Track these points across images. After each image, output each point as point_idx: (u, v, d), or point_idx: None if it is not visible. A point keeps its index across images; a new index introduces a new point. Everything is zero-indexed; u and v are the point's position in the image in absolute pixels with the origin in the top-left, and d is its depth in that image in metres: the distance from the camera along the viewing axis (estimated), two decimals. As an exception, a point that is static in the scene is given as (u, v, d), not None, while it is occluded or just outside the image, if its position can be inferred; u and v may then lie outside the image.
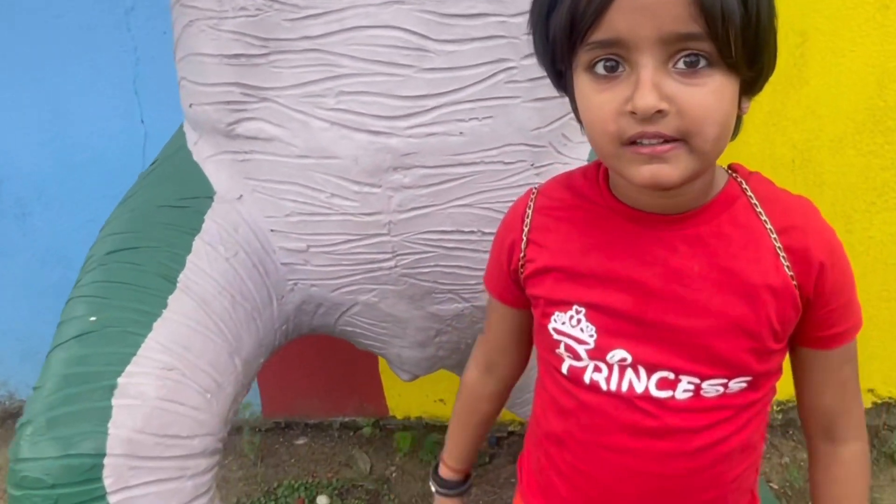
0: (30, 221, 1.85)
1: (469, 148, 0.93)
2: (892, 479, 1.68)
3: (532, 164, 0.98)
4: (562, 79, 0.60)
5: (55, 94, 1.71)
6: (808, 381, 0.67)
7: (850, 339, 0.65)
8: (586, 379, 0.63)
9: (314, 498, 1.75)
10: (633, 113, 0.52)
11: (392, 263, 0.98)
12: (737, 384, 0.62)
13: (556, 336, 0.65)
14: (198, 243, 0.95)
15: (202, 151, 1.02)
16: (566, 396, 0.66)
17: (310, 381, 1.93)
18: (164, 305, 0.88)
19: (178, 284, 0.91)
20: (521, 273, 0.68)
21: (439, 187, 0.94)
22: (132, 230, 0.96)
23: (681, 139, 0.52)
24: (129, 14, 1.62)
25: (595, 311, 0.62)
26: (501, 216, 0.95)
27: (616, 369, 0.62)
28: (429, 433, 1.90)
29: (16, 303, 1.92)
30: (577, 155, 1.01)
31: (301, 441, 1.95)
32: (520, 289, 0.70)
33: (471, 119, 0.93)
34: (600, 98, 0.54)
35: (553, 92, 0.64)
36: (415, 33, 0.88)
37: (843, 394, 0.67)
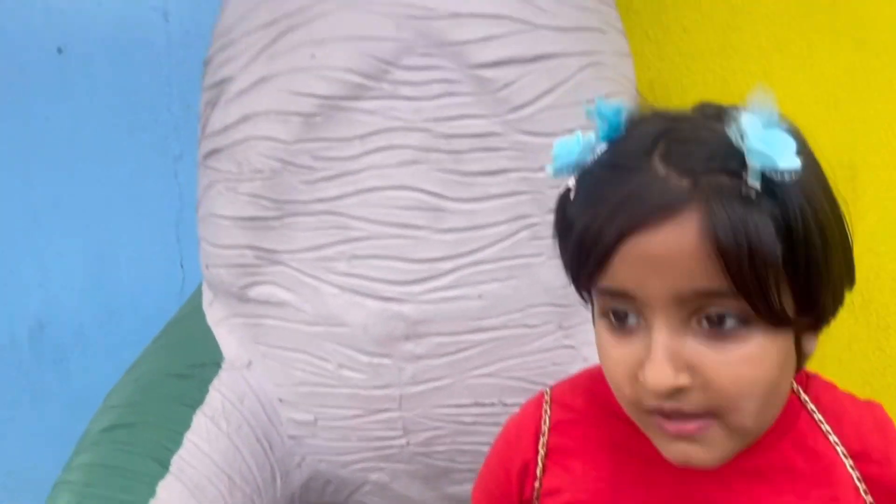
0: (66, 367, 1.81)
1: (489, 312, 0.84)
2: None
3: (559, 325, 0.88)
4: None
5: (101, 240, 1.73)
6: None
7: None
8: None
9: None
10: None
11: (403, 441, 0.86)
12: None
13: None
14: (199, 418, 0.86)
15: (215, 314, 0.96)
16: None
17: None
18: (153, 494, 0.78)
19: (171, 468, 0.80)
20: None
21: (456, 356, 0.83)
22: (132, 403, 0.88)
23: (711, 415, 0.41)
24: (177, 162, 1.65)
25: None
26: (525, 385, 0.84)
27: None
28: None
29: (45, 450, 1.85)
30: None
31: None
32: None
33: (491, 280, 0.84)
34: (615, 353, 0.43)
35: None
36: (432, 193, 0.82)
37: None
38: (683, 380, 0.39)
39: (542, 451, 0.53)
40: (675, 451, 0.42)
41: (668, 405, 0.40)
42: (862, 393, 0.90)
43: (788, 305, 0.40)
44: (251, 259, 0.88)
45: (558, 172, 0.46)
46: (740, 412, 0.40)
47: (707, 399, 0.40)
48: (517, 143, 0.84)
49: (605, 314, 0.44)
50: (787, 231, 0.38)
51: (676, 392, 0.40)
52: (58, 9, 1.69)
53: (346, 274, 0.83)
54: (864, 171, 1.44)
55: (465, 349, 0.83)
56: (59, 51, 1.64)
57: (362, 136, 0.82)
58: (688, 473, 0.47)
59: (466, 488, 0.91)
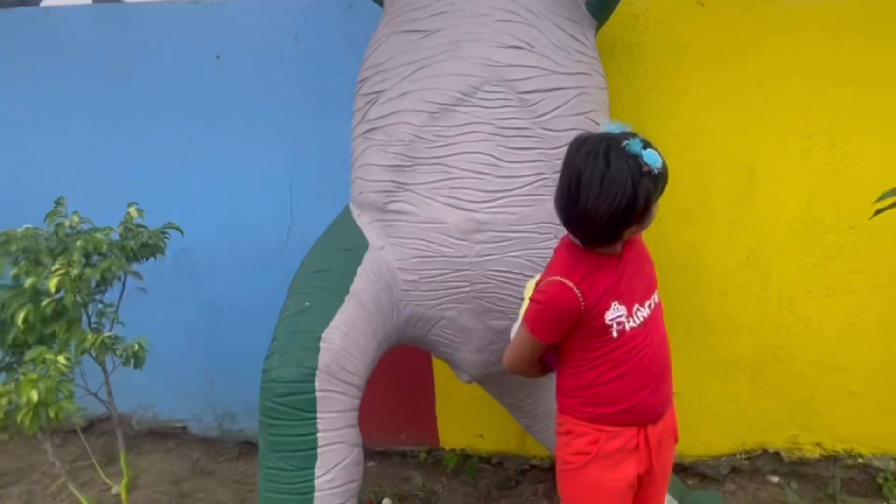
0: (198, 281, 2.57)
1: (520, 223, 1.62)
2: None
3: (555, 236, 1.66)
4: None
5: (232, 191, 2.50)
6: None
7: None
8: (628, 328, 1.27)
9: (381, 500, 2.28)
10: None
11: (469, 289, 1.65)
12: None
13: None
14: (360, 271, 1.64)
15: (363, 220, 1.74)
16: (620, 349, 1.26)
17: (379, 417, 2.50)
18: (343, 301, 1.56)
19: (350, 292, 1.58)
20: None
21: (501, 244, 1.62)
22: (322, 260, 1.66)
23: None
24: (294, 139, 2.41)
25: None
26: (536, 266, 1.60)
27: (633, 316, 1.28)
28: (469, 459, 2.43)
29: (174, 342, 2.60)
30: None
31: (370, 464, 2.49)
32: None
33: (521, 206, 1.62)
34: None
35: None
36: (493, 157, 1.61)
37: None
38: None
39: (581, 299, 1.27)
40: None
41: None
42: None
43: None
44: (391, 187, 1.66)
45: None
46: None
47: None
48: (540, 133, 1.62)
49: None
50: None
51: None
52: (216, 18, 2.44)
53: (447, 196, 1.61)
54: (758, 170, 2.23)
55: (507, 241, 1.62)
56: (217, 57, 2.40)
57: (459, 125, 1.61)
58: (621, 259, 1.26)
59: (499, 323, 1.69)
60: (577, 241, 1.28)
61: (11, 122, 2.61)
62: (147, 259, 2.03)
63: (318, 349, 1.44)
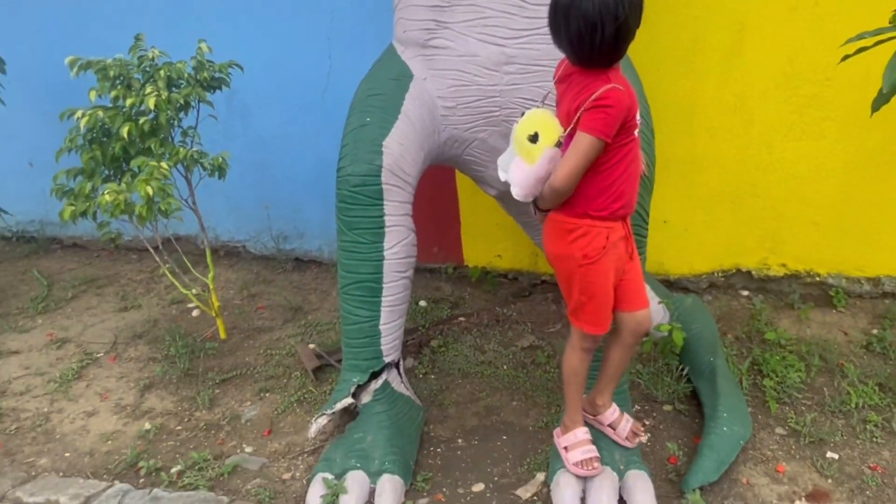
0: (248, 119, 2.96)
1: (542, 57, 2.00)
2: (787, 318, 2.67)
3: (571, 71, 2.03)
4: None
5: (277, 38, 2.83)
6: None
7: None
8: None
9: (417, 302, 2.80)
10: None
11: (499, 113, 2.05)
12: None
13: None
14: (407, 96, 2.04)
15: (407, 55, 2.12)
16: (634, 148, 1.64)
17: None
18: (396, 119, 1.97)
19: (401, 112, 1.99)
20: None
21: (526, 75, 2.02)
22: (376, 86, 2.06)
23: None
24: (330, -9, 2.73)
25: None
26: (554, 95, 1.99)
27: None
28: (489, 274, 2.95)
29: (230, 173, 3.01)
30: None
31: (403, 280, 2.99)
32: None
33: (543, 43, 1.99)
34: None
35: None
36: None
37: None
38: None
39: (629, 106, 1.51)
40: None
41: None
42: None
43: None
44: (432, 25, 2.03)
45: None
46: None
47: None
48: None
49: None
50: None
51: None
52: None
53: (480, 33, 1.99)
54: (748, 26, 2.55)
55: (530, 73, 2.01)
56: None
57: (491, -28, 1.95)
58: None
59: (521, 142, 2.09)
60: (597, 66, 1.54)
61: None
62: (215, 91, 2.41)
63: (381, 153, 1.87)
